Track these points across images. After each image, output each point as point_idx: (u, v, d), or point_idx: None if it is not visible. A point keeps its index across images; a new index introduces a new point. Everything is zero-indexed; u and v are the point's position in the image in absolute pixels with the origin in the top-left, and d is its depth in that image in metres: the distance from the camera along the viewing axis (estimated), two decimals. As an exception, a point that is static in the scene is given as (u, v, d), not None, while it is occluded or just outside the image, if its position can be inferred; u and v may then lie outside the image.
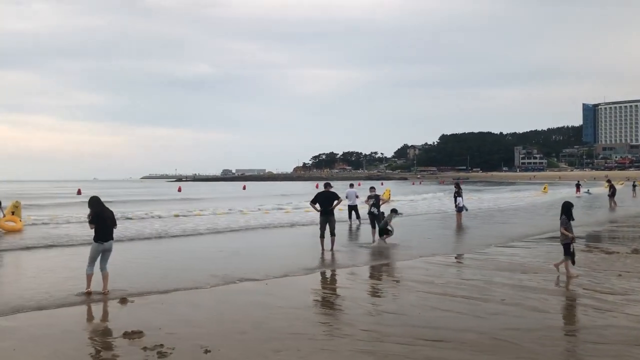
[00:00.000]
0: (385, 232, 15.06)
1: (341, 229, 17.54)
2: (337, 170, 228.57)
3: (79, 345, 6.40)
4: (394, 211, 15.88)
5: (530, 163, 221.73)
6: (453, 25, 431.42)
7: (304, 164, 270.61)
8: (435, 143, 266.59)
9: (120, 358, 5.80)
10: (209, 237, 17.82)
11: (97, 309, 8.13)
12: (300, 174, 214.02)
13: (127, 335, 6.57)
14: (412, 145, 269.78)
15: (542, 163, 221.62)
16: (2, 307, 8.11)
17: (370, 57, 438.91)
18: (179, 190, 68.69)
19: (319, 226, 13.90)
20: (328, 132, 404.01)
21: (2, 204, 19.40)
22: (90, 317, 7.78)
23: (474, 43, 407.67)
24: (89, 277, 8.93)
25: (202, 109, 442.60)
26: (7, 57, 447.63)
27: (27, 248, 14.72)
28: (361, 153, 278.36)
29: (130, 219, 23.11)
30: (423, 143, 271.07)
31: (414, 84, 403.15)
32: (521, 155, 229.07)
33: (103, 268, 9.07)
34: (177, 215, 25.00)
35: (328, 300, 8.79)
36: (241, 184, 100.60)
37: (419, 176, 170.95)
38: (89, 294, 8.76)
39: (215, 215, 25.78)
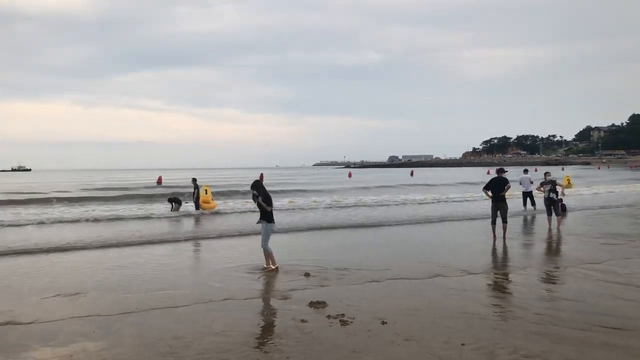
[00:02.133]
0: None
1: (515, 217, 17.10)
2: (510, 155, 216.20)
3: (274, 311, 7.42)
4: None
5: None
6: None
7: (474, 149, 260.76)
8: (624, 124, 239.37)
9: (308, 323, 6.61)
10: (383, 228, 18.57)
11: (296, 284, 9.04)
12: (470, 159, 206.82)
13: (312, 304, 7.42)
14: (596, 127, 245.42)
15: None
16: (195, 294, 9.58)
17: (547, 34, 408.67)
18: (349, 176, 71.48)
19: (490, 212, 13.82)
20: (500, 116, 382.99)
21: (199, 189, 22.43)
22: (279, 288, 8.77)
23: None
24: (271, 254, 10.04)
25: (369, 96, 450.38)
26: (196, 56, 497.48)
27: (222, 236, 16.35)
28: (537, 136, 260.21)
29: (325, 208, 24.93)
30: (609, 124, 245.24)
31: (598, 61, 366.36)
32: None
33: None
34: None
35: (500, 285, 8.87)
36: (408, 170, 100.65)
37: (604, 160, 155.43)
38: (277, 269, 9.89)
39: (388, 206, 26.62)
